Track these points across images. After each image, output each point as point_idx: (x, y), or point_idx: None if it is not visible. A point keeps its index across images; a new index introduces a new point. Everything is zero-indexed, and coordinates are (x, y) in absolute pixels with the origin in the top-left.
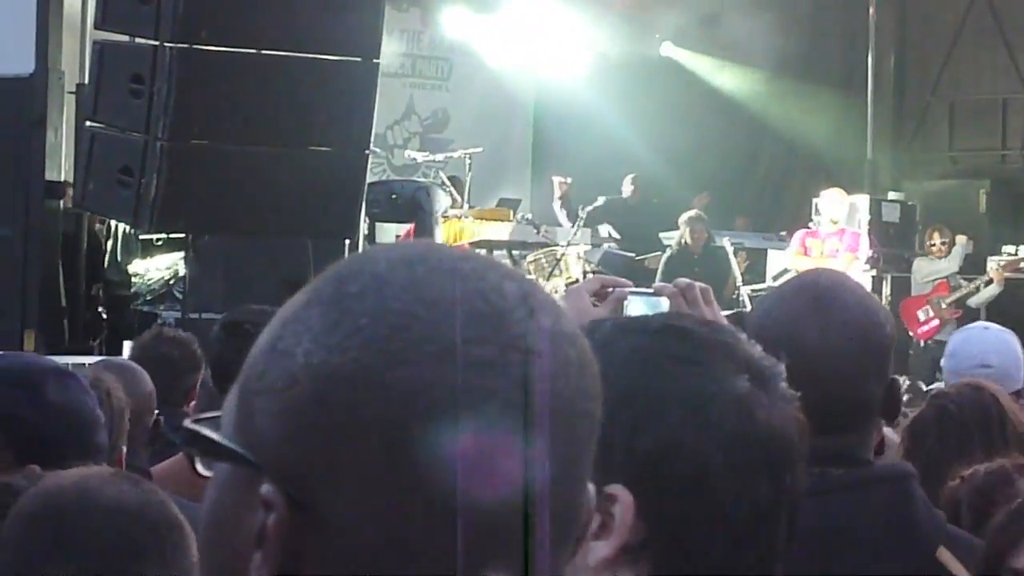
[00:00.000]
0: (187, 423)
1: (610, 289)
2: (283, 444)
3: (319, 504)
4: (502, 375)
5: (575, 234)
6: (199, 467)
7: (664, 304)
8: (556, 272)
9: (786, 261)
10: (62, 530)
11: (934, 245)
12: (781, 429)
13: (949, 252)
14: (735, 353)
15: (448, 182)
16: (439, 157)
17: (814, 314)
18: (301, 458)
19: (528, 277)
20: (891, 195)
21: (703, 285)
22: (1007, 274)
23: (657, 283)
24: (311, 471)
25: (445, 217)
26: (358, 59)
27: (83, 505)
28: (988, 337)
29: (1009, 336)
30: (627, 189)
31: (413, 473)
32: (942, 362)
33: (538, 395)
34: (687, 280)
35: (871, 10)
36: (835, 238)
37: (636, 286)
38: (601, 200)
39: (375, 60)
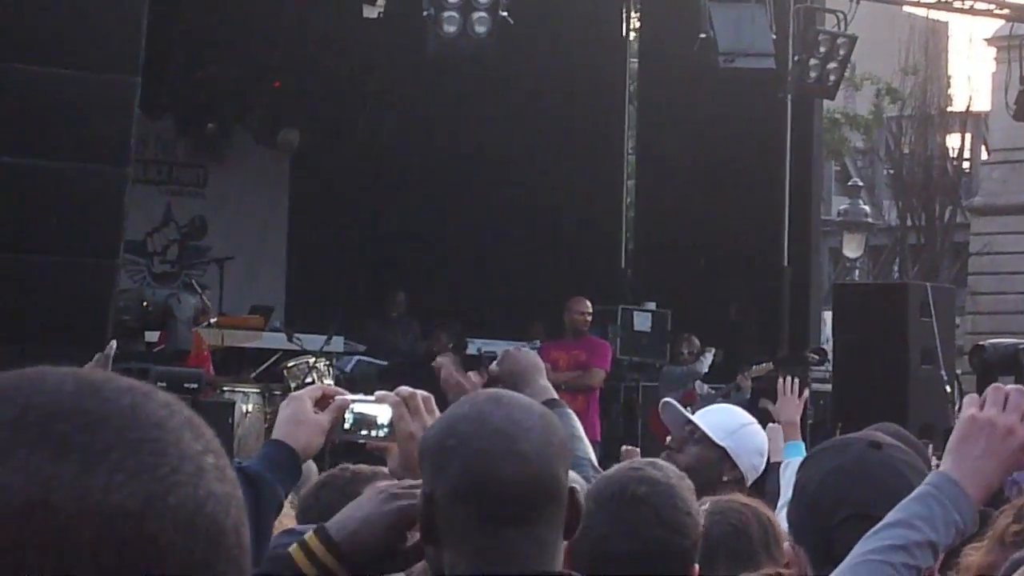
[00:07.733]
0: None
1: (332, 398)
2: None
3: None
4: None
5: (328, 341)
6: None
7: (387, 411)
8: (309, 379)
9: None
10: None
11: (682, 354)
12: None
13: (697, 360)
14: None
15: (199, 289)
16: (195, 264)
17: None
18: None
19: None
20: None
21: (425, 394)
22: (751, 380)
23: (379, 391)
24: None
25: (196, 324)
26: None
27: None
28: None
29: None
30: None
31: None
32: None
33: None
34: (409, 389)
35: None
36: (581, 350)
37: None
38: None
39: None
